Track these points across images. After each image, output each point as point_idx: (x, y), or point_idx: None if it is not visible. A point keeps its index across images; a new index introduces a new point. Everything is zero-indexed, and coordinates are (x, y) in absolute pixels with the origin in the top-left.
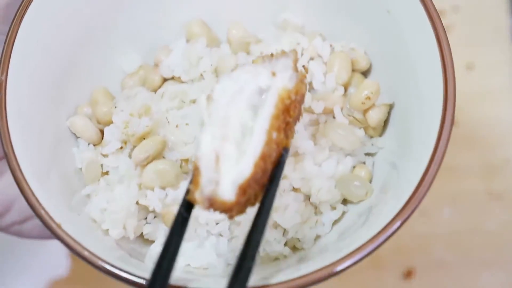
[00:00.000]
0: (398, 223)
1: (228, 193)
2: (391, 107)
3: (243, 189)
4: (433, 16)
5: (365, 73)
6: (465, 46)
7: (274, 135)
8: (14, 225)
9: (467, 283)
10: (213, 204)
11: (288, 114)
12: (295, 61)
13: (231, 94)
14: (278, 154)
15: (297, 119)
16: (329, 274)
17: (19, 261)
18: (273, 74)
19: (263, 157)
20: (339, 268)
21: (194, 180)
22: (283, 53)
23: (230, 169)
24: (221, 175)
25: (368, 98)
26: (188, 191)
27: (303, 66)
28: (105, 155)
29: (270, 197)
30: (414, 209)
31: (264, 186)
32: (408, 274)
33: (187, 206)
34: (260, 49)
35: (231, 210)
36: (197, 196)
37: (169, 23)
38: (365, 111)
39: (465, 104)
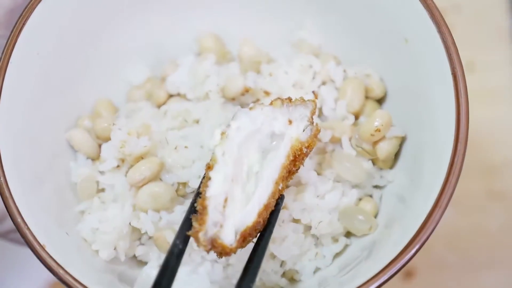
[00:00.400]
0: (404, 260)
1: (230, 238)
2: (403, 139)
3: (244, 237)
4: (450, 50)
5: (380, 101)
6: (466, 46)
7: (280, 186)
8: (12, 233)
9: (467, 283)
10: (215, 246)
11: (294, 165)
12: (313, 112)
13: (246, 134)
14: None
15: (297, 170)
16: None
17: (19, 261)
18: (290, 122)
19: (267, 207)
20: None
21: (200, 219)
22: (302, 101)
23: (235, 213)
24: (225, 218)
25: (378, 130)
26: (185, 223)
27: (313, 92)
28: (101, 172)
29: (262, 245)
30: (421, 245)
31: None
32: (408, 274)
33: (184, 240)
34: (271, 69)
35: (230, 254)
36: (201, 236)
37: (180, 36)
38: (375, 143)
39: None
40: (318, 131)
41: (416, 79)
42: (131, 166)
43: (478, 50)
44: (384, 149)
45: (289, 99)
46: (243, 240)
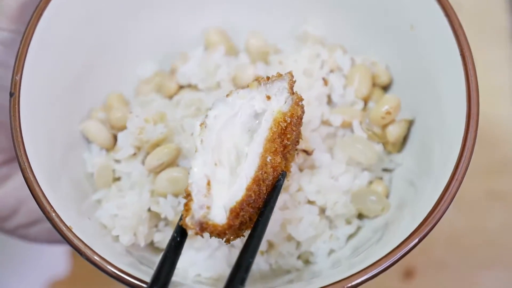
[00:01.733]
0: (414, 241)
1: (219, 216)
2: (411, 123)
3: (235, 212)
4: (458, 32)
5: (386, 88)
6: None
7: (269, 158)
8: (20, 228)
9: (467, 283)
10: (205, 228)
11: (286, 137)
12: (291, 83)
13: (224, 120)
14: (275, 178)
15: (295, 142)
16: None
17: (19, 261)
18: (268, 97)
19: (257, 180)
20: (351, 284)
21: (185, 206)
22: (279, 75)
23: (223, 193)
24: (213, 199)
25: (389, 113)
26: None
27: (323, 78)
28: (117, 161)
29: (263, 221)
30: (431, 228)
31: (260, 209)
32: (408, 274)
33: (181, 231)
34: (279, 59)
35: (224, 233)
36: (188, 221)
37: (187, 30)
38: (384, 126)
39: None
40: (299, 99)
41: (424, 63)
42: (147, 153)
43: (478, 50)
44: (394, 132)
45: (267, 78)
46: (235, 216)
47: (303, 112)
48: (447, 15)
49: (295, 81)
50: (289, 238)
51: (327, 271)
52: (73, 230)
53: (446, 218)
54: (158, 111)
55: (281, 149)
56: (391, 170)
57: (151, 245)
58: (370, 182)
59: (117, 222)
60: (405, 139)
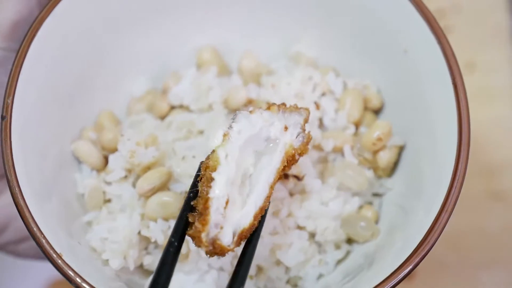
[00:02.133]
0: (407, 270)
1: (227, 238)
2: (402, 148)
3: (241, 238)
4: (450, 60)
5: (377, 112)
6: (465, 46)
7: (274, 188)
8: (10, 245)
9: (467, 283)
10: (215, 248)
11: (283, 170)
12: (306, 120)
13: (246, 137)
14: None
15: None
16: None
17: (20, 261)
18: (286, 128)
19: (262, 209)
20: None
21: (202, 220)
22: (297, 108)
23: (233, 215)
24: (225, 220)
25: (380, 139)
26: (181, 220)
27: (315, 102)
28: (108, 183)
29: (251, 249)
30: (424, 255)
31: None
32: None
33: (180, 236)
34: (272, 81)
35: (224, 255)
36: (203, 237)
37: (180, 49)
38: (375, 152)
39: None
40: (310, 139)
41: (416, 89)
42: (138, 176)
43: (478, 50)
44: (385, 157)
45: (284, 104)
46: (240, 241)
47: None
48: (440, 42)
49: (308, 119)
50: (278, 262)
51: None
52: (63, 257)
53: None
54: (150, 134)
55: (277, 179)
56: (382, 195)
57: (141, 268)
58: (360, 207)
59: (107, 246)
60: (395, 163)
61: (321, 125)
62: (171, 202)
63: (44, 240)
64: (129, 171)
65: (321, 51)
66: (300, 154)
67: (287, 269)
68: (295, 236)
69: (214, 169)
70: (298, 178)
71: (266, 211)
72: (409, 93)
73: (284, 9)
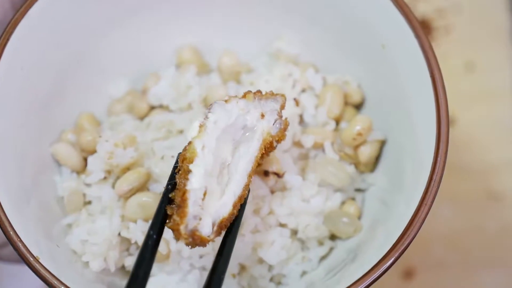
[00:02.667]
0: (389, 261)
1: (207, 229)
2: (383, 143)
3: (221, 228)
4: (428, 54)
5: (358, 107)
6: (465, 46)
7: (252, 178)
8: None
9: (466, 283)
10: (194, 239)
11: (262, 158)
12: (282, 107)
13: (223, 127)
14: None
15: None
16: None
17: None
18: (262, 116)
19: (241, 198)
20: None
21: (181, 213)
22: (273, 95)
23: (212, 206)
24: (204, 211)
25: (360, 134)
26: (159, 213)
27: (295, 99)
28: (88, 185)
29: (231, 238)
30: (406, 247)
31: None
32: (408, 274)
33: (158, 229)
34: (251, 78)
35: (205, 245)
36: (182, 229)
37: (159, 49)
38: (356, 147)
39: (465, 104)
40: (287, 125)
41: (394, 83)
42: (118, 177)
43: (478, 50)
44: (366, 152)
45: (259, 92)
46: (219, 231)
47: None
48: (417, 36)
49: (285, 105)
50: (261, 260)
51: None
52: (40, 260)
53: (445, 218)
54: (128, 134)
55: (255, 168)
56: (364, 190)
57: (122, 269)
58: (343, 203)
59: (87, 248)
60: (377, 158)
61: (301, 121)
62: (151, 202)
63: (20, 244)
64: (109, 172)
65: (301, 48)
66: (278, 141)
67: (270, 267)
68: (277, 234)
69: (191, 161)
70: (278, 175)
71: (245, 200)
72: (389, 88)
73: (264, 7)
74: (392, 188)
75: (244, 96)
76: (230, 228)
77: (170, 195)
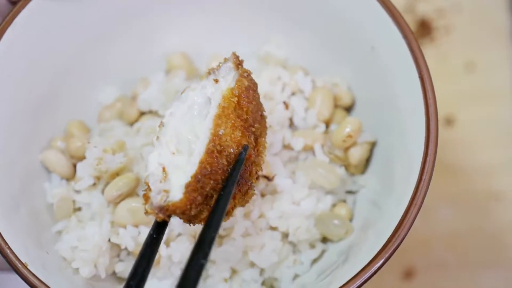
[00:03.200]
0: (380, 262)
1: (178, 195)
2: (373, 144)
3: (192, 186)
4: (416, 54)
5: (348, 109)
6: (465, 46)
7: (221, 131)
8: None
9: (466, 283)
10: (165, 210)
11: (242, 111)
12: (236, 62)
13: (180, 115)
14: (237, 152)
15: (260, 117)
16: None
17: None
18: (216, 81)
19: (210, 153)
20: None
21: (144, 196)
22: (225, 60)
23: (181, 176)
24: (171, 184)
25: (350, 136)
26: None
27: (284, 102)
28: (77, 191)
29: (225, 195)
30: (396, 247)
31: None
32: (408, 274)
33: (157, 228)
34: None
35: (188, 210)
36: (148, 208)
37: (150, 55)
38: (346, 149)
39: (465, 104)
40: (244, 71)
41: (384, 84)
42: (107, 183)
43: (478, 50)
44: (356, 154)
45: (212, 68)
46: (193, 190)
47: (253, 83)
48: (405, 37)
49: (242, 60)
50: (252, 264)
51: None
52: (28, 266)
53: (445, 219)
54: (117, 140)
55: (241, 123)
56: (355, 192)
57: (113, 276)
58: (334, 205)
59: (77, 255)
60: (368, 160)
61: (291, 124)
62: (140, 207)
63: (8, 251)
64: (98, 178)
65: (290, 51)
66: (239, 88)
67: (262, 270)
68: (268, 237)
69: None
70: (268, 178)
71: (241, 155)
72: (379, 90)
73: (253, 11)
74: (382, 190)
75: (201, 78)
76: (225, 185)
77: None
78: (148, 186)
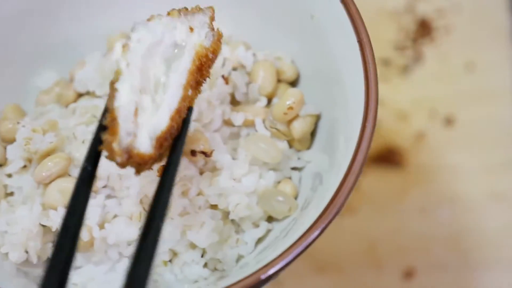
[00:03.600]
0: (317, 232)
1: (145, 145)
2: (317, 118)
3: (160, 142)
4: (355, 18)
5: (294, 84)
6: (465, 46)
7: (190, 91)
8: None
9: (467, 284)
10: (131, 156)
11: (201, 73)
12: (212, 18)
13: (147, 46)
14: (185, 113)
15: (205, 80)
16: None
17: None
18: (191, 29)
19: (179, 111)
20: (256, 279)
21: (111, 131)
22: (199, 9)
23: (147, 122)
24: (138, 127)
25: (291, 108)
26: (96, 141)
27: (223, 76)
28: (8, 175)
29: (176, 156)
30: (333, 217)
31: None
32: (408, 274)
33: (93, 160)
34: None
35: (147, 163)
36: (115, 147)
37: (89, 36)
38: (289, 123)
39: (465, 104)
40: (221, 35)
41: (326, 55)
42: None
43: (478, 50)
44: (299, 128)
45: (185, 8)
46: (160, 146)
47: (221, 50)
48: (343, 1)
49: (214, 18)
50: (193, 245)
51: (234, 273)
52: None
53: (445, 219)
54: (49, 120)
55: (194, 85)
56: (301, 169)
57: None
58: (278, 182)
59: (6, 239)
60: (313, 135)
61: (233, 100)
62: (72, 188)
63: None
64: (29, 160)
65: (233, 27)
66: (214, 53)
67: (204, 252)
68: (207, 216)
69: (117, 80)
70: (206, 154)
71: (188, 118)
72: (321, 60)
73: None
74: (327, 164)
75: (169, 14)
76: (175, 146)
77: (103, 123)
78: (116, 120)
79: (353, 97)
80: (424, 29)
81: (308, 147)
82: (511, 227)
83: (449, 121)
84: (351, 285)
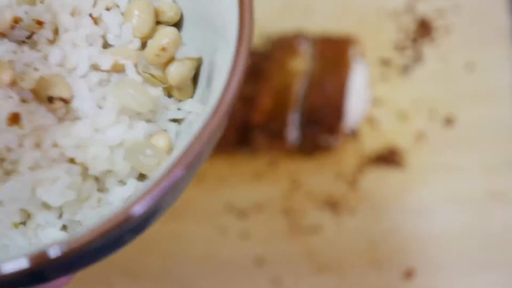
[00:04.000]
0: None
1: None
2: (199, 62)
3: None
4: None
5: (178, 27)
6: (465, 46)
7: None
8: None
9: (467, 284)
10: None
11: None
12: None
13: None
14: None
15: None
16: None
17: None
18: None
19: None
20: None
21: None
22: None
23: None
24: None
25: (164, 49)
26: None
27: (90, 15)
28: None
29: None
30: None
31: None
32: (408, 274)
33: None
34: None
35: None
36: None
37: None
38: (164, 67)
39: (465, 104)
40: None
41: None
42: None
43: (478, 50)
44: (175, 73)
45: None
46: None
47: None
48: None
49: None
50: (48, 206)
51: None
52: None
53: (445, 219)
54: None
55: None
56: (180, 121)
57: None
58: (152, 136)
59: None
60: (196, 83)
61: (105, 44)
62: None
63: None
64: None
65: None
66: None
67: (61, 213)
68: (62, 171)
69: None
70: (65, 101)
71: None
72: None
73: None
74: (204, 112)
75: None
76: None
77: None
78: None
79: (231, 36)
80: (424, 29)
81: (190, 96)
82: (511, 227)
83: (449, 121)
84: (351, 285)
